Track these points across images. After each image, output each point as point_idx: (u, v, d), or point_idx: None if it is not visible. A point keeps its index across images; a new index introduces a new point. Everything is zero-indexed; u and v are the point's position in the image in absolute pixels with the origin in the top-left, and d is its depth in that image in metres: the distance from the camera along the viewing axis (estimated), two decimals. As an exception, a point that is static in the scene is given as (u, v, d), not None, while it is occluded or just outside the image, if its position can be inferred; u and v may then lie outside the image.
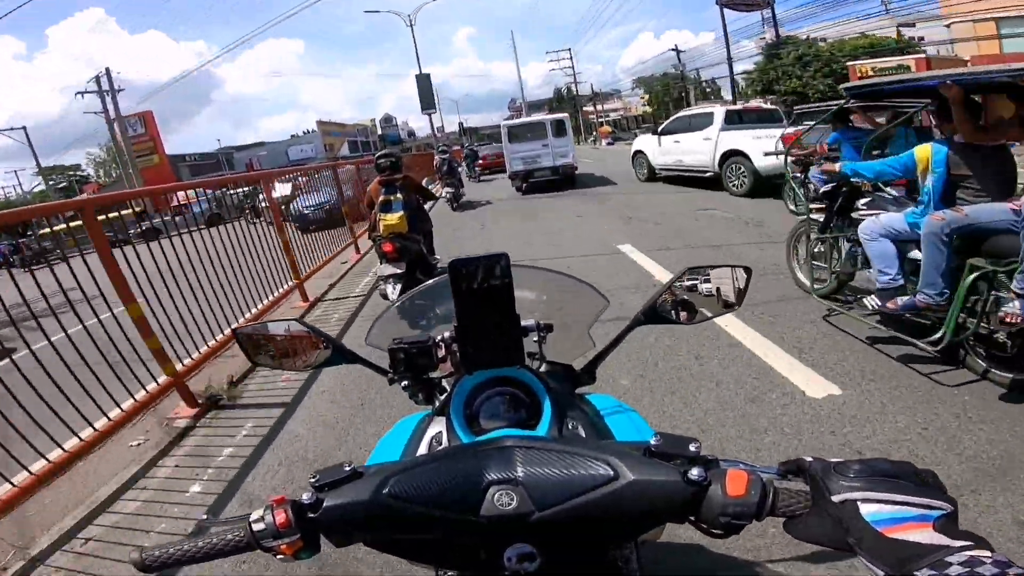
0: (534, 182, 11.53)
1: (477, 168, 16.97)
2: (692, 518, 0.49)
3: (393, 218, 3.90)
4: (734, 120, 8.16)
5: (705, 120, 8.48)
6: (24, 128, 27.87)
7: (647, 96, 48.82)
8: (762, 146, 6.83)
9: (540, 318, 0.86)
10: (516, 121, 13.44)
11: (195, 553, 0.51)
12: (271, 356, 0.86)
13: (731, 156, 7.68)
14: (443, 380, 0.88)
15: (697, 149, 8.46)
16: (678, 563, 1.51)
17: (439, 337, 0.83)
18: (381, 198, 4.02)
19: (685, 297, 0.84)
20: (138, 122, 18.09)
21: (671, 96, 44.17)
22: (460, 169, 11.89)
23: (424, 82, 25.44)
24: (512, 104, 73.12)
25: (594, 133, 41.75)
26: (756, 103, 9.10)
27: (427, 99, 24.80)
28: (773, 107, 9.61)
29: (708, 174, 8.32)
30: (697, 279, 0.83)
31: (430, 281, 0.98)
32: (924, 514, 0.39)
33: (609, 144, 35.76)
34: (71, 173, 42.28)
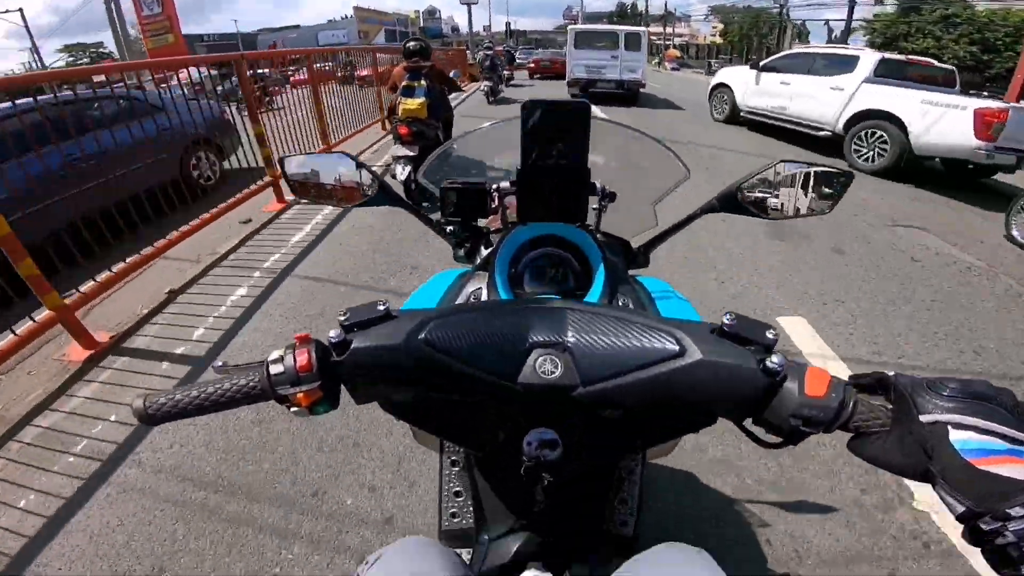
0: (594, 92, 10.70)
1: (505, 73, 13.55)
2: (750, 420, 0.42)
3: (414, 103, 3.90)
4: (889, 72, 5.94)
5: (840, 64, 6.27)
6: (20, 10, 27.82)
7: (721, 27, 45.31)
8: (930, 115, 5.04)
9: (606, 183, 0.78)
10: (587, 27, 12.75)
11: (203, 401, 0.45)
12: (312, 189, 0.82)
13: (868, 118, 5.69)
14: (491, 235, 0.83)
15: (817, 98, 6.38)
16: (673, 486, 1.53)
17: (496, 185, 0.78)
18: (404, 83, 4.00)
19: (771, 191, 0.75)
20: (155, 1, 16.59)
21: (757, 31, 40.77)
22: (500, 68, 11.90)
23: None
24: (568, 12, 68.70)
25: (660, 55, 40.88)
26: (914, 58, 6.62)
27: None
28: (948, 67, 6.52)
29: (823, 133, 6.37)
30: (789, 174, 0.74)
31: (492, 123, 0.89)
32: (1019, 449, 0.34)
33: (675, 69, 34.01)
34: (93, 51, 43.72)
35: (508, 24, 54.61)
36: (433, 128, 4.06)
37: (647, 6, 46.82)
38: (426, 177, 0.89)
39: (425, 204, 3.69)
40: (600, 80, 10.79)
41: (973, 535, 0.35)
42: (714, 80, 8.90)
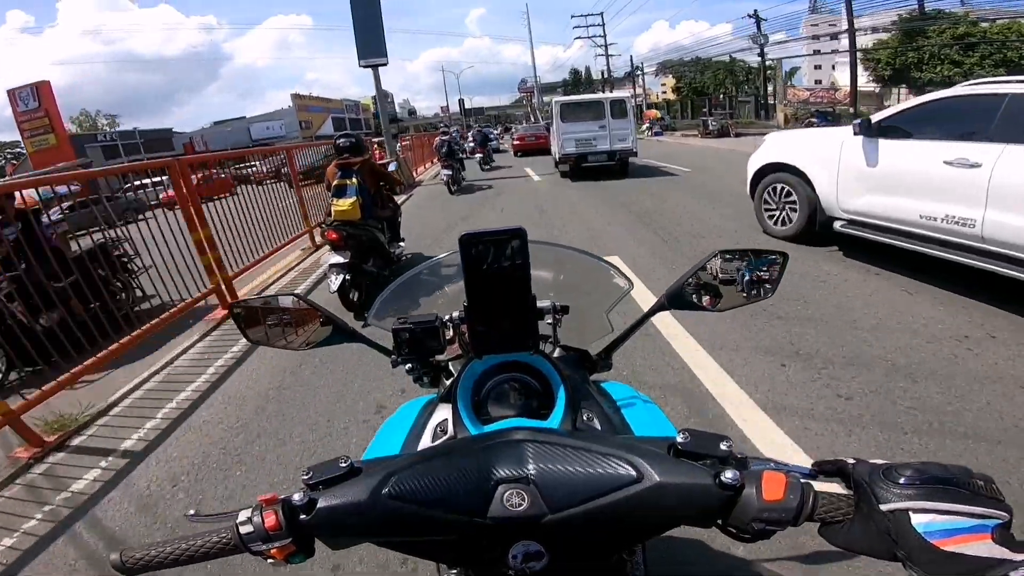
0: (586, 167, 11.13)
1: (480, 153, 15.81)
2: (719, 522, 0.48)
3: (344, 204, 3.98)
4: None
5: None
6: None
7: (672, 82, 45.75)
8: None
9: (556, 299, 0.88)
10: (572, 98, 13.06)
11: (178, 555, 0.50)
12: (266, 333, 0.87)
13: None
14: (450, 363, 0.91)
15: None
16: (681, 558, 1.59)
17: (447, 317, 0.85)
18: (336, 182, 4.07)
19: (714, 282, 0.85)
20: (30, 94, 14.69)
21: (733, 79, 40.60)
22: (460, 153, 11.96)
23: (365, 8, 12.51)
24: (523, 85, 71.71)
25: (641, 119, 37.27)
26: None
27: (371, 34, 12.64)
28: None
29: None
30: (728, 263, 0.84)
31: (440, 255, 1.03)
32: (981, 524, 0.38)
33: (657, 134, 30.40)
34: (9, 151, 45.31)
35: (461, 102, 55.63)
36: (369, 230, 4.05)
37: (608, 63, 47.35)
38: (375, 319, 0.97)
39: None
40: (591, 153, 11.00)
41: None
42: (762, 157, 5.03)
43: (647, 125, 32.12)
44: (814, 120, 21.64)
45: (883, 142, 3.75)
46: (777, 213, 4.91)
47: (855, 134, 3.90)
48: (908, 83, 17.79)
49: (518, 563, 0.50)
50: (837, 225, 4.22)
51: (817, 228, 4.46)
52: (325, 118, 47.97)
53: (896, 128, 3.73)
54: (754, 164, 5.18)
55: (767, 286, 0.85)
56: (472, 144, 11.40)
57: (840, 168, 4.08)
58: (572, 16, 44.01)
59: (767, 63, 31.25)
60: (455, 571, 0.73)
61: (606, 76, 46.70)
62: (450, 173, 10.80)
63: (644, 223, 6.30)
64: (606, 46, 45.44)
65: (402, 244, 5.01)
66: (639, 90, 43.81)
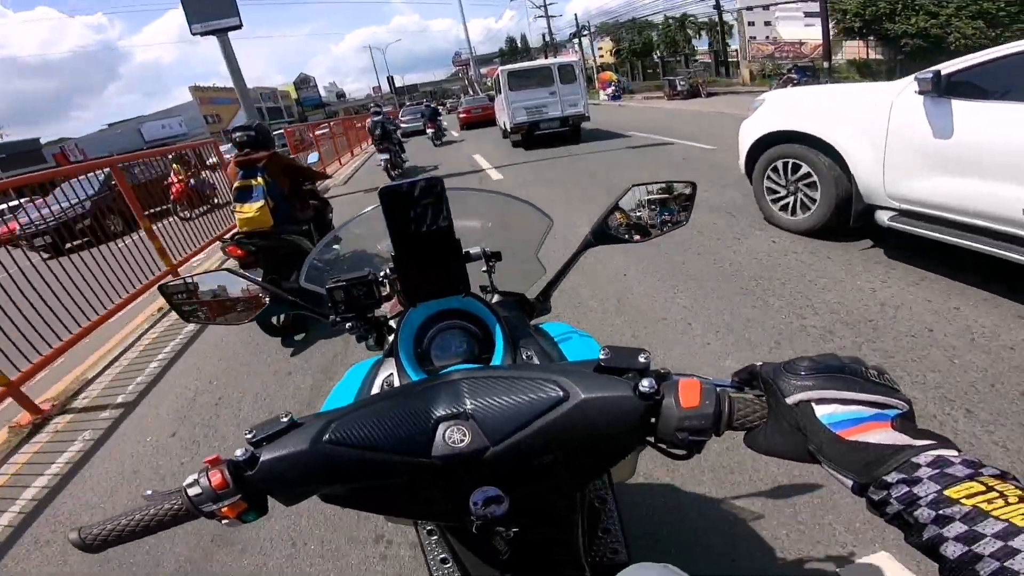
0: (540, 135, 11.26)
1: (431, 128, 15.94)
2: (651, 440, 0.51)
3: (250, 209, 3.41)
4: None
5: None
6: None
7: (610, 46, 43.70)
8: None
9: (487, 246, 0.93)
10: (518, 66, 12.93)
11: (135, 527, 0.53)
12: (202, 311, 0.89)
13: None
14: (391, 320, 0.96)
15: None
16: (655, 503, 1.69)
17: (381, 273, 0.91)
18: (237, 183, 3.49)
19: (633, 215, 0.94)
20: None
21: (684, 36, 38.70)
22: (397, 132, 11.09)
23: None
24: (457, 58, 69.61)
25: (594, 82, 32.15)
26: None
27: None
28: None
29: None
30: (643, 196, 0.94)
31: (366, 209, 1.05)
32: (881, 413, 0.41)
33: (614, 98, 27.33)
34: None
35: (391, 79, 52.90)
36: (286, 238, 3.49)
37: (549, 32, 45.10)
38: (308, 279, 1.01)
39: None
40: (543, 120, 11.08)
41: (872, 507, 0.38)
42: (761, 124, 3.99)
43: (605, 90, 28.45)
44: (793, 76, 19.86)
45: (958, 104, 2.64)
46: (787, 198, 3.83)
47: (918, 92, 2.79)
48: (879, 36, 17.14)
49: (479, 509, 0.51)
50: (884, 217, 3.14)
51: (852, 221, 3.37)
52: (237, 109, 43.74)
53: (974, 86, 2.64)
54: (750, 133, 4.06)
55: (683, 214, 0.96)
56: (379, 132, 10.27)
57: (889, 139, 2.98)
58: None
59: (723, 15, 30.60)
60: (431, 528, 0.82)
61: (548, 40, 44.44)
62: (387, 157, 9.82)
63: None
64: (545, 7, 42.89)
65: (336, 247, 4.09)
66: (587, 53, 41.76)
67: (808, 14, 26.92)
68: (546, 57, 41.20)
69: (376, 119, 10.30)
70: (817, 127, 3.45)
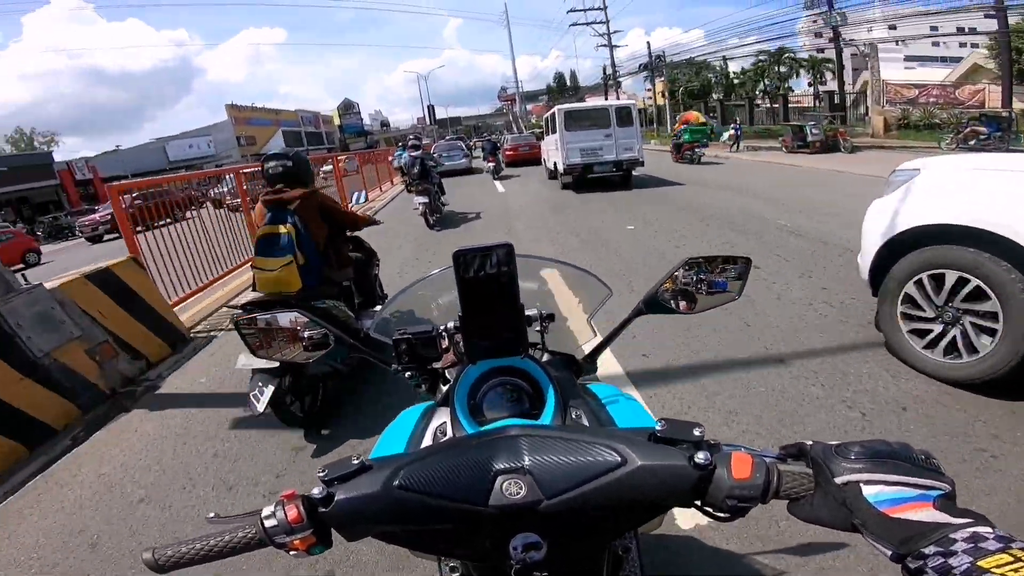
0: (592, 178, 11.93)
1: (491, 163, 17.75)
2: (698, 503, 0.58)
3: (274, 265, 2.88)
4: None
5: None
6: None
7: (661, 86, 41.49)
8: None
9: (542, 307, 1.06)
10: (575, 105, 14.14)
11: (208, 551, 0.60)
12: (269, 346, 1.04)
13: None
14: (446, 371, 1.09)
15: None
16: (674, 554, 1.82)
17: (442, 327, 1.03)
18: (261, 230, 3.00)
19: (685, 287, 1.03)
20: None
21: (759, 75, 36.72)
22: (435, 169, 10.15)
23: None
24: (503, 93, 71.03)
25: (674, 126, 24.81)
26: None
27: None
28: None
29: None
30: (697, 269, 1.02)
31: (432, 272, 1.21)
32: (924, 494, 0.47)
33: (698, 146, 17.88)
34: None
35: (431, 108, 53.72)
36: (317, 306, 2.93)
37: (612, 55, 40.26)
38: (377, 330, 1.16)
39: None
40: (597, 163, 11.64)
41: (907, 574, 0.45)
42: (907, 207, 2.93)
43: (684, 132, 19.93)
44: (981, 130, 15.50)
45: None
46: (940, 329, 2.77)
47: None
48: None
49: (519, 553, 0.58)
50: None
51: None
52: (274, 132, 45.92)
53: None
54: (885, 222, 3.03)
55: (735, 288, 1.04)
56: (417, 170, 9.55)
57: None
58: (569, 11, 39.70)
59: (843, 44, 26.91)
60: (453, 565, 0.90)
61: (610, 74, 41.05)
62: (426, 200, 8.81)
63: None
64: (609, 35, 39.19)
65: (378, 310, 3.88)
66: (656, 88, 39.30)
67: (910, 57, 25.06)
68: (606, 93, 40.59)
69: (415, 154, 9.43)
70: (1013, 223, 2.40)
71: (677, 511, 1.89)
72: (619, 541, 0.89)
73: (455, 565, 0.92)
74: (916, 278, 2.81)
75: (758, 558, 1.73)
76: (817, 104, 30.60)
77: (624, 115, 11.72)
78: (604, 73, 41.72)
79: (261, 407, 2.58)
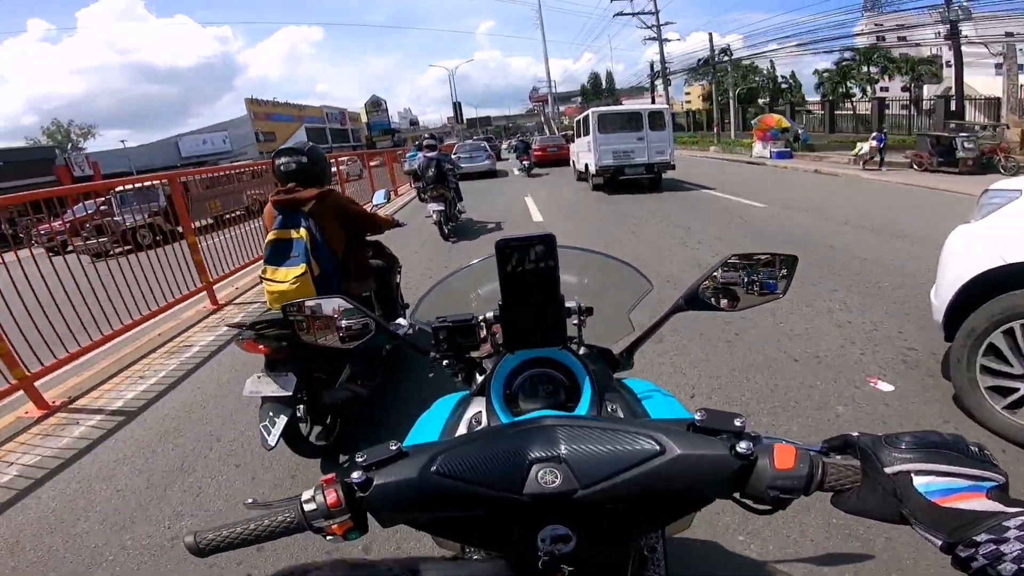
0: (624, 180, 12.52)
1: (526, 160, 19.96)
2: (737, 494, 0.60)
3: (285, 276, 2.66)
4: None
5: None
6: None
7: (701, 89, 39.30)
8: None
9: (581, 300, 1.09)
10: (609, 108, 14.57)
11: (248, 535, 0.64)
12: (312, 332, 1.05)
13: None
14: (483, 360, 1.12)
15: None
16: (700, 558, 1.88)
17: (481, 317, 1.07)
18: (272, 235, 2.77)
19: (728, 284, 1.01)
20: None
21: (843, 75, 33.99)
22: (454, 172, 9.48)
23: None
24: (535, 93, 71.30)
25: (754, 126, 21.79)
26: None
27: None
28: None
29: None
30: (741, 266, 1.01)
31: (473, 261, 1.29)
32: (977, 484, 0.48)
33: (781, 156, 17.86)
34: None
35: (457, 105, 53.63)
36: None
37: (663, 52, 35.99)
38: (418, 317, 1.22)
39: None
40: (628, 166, 12.33)
41: (956, 563, 0.46)
42: (998, 241, 2.50)
43: (765, 141, 18.54)
44: None
45: None
46: None
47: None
48: None
49: (547, 545, 0.58)
50: None
51: None
52: (296, 128, 46.46)
53: None
54: (968, 258, 2.63)
55: (780, 287, 1.01)
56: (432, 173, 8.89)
57: None
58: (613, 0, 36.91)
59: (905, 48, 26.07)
60: (477, 556, 0.90)
61: (658, 71, 37.03)
62: (441, 208, 8.22)
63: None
64: (658, 27, 34.42)
65: (403, 323, 3.40)
66: (694, 92, 37.78)
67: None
68: (652, 91, 38.99)
69: (431, 155, 8.76)
70: None
71: (701, 517, 1.97)
72: (645, 540, 0.91)
73: (478, 557, 0.95)
74: (1007, 327, 2.36)
75: (780, 567, 1.79)
76: (909, 110, 24.33)
77: (657, 119, 12.51)
78: (652, 70, 37.57)
79: (273, 440, 2.37)
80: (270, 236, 2.74)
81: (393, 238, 8.30)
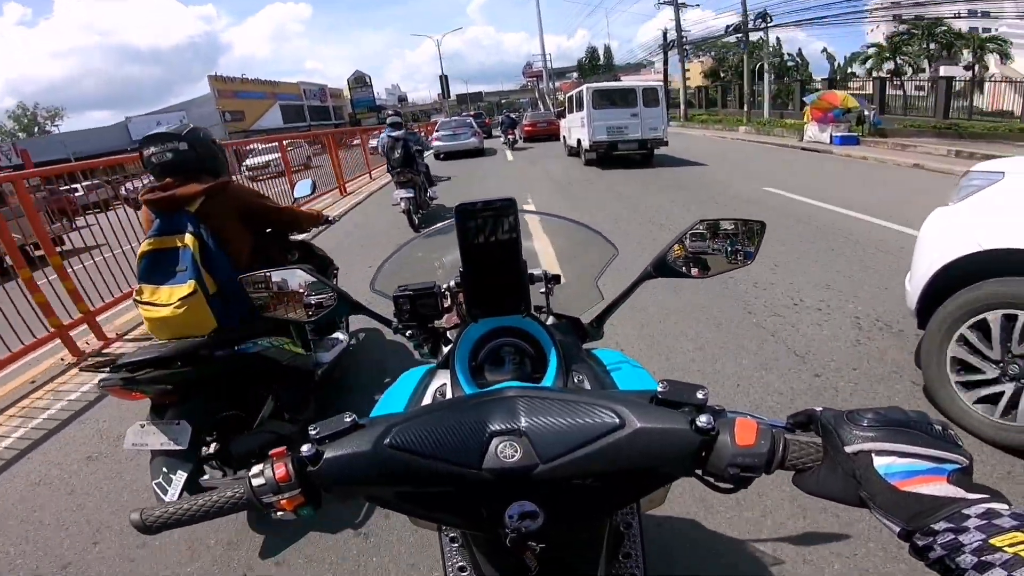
0: (617, 155, 13.07)
1: (511, 136, 22.64)
2: (699, 472, 0.61)
3: (169, 296, 2.18)
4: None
5: None
6: None
7: (702, 65, 37.98)
8: None
9: (548, 268, 1.15)
10: (604, 84, 15.20)
11: (195, 512, 0.64)
12: (273, 303, 1.09)
13: None
14: (449, 332, 1.16)
15: None
16: (678, 533, 1.98)
17: (444, 286, 1.11)
18: (146, 244, 2.28)
19: (697, 251, 1.05)
20: None
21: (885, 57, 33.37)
22: (423, 157, 9.30)
23: None
24: (528, 68, 70.73)
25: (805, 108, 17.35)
26: None
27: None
28: None
29: None
30: (709, 232, 1.04)
31: (437, 225, 1.30)
32: (938, 467, 0.48)
33: (844, 142, 14.60)
34: None
35: (444, 78, 53.06)
36: (247, 353, 2.26)
37: (677, 25, 32.89)
38: (378, 287, 1.24)
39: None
40: (622, 141, 12.87)
41: (914, 551, 0.47)
42: (973, 225, 2.49)
43: (824, 122, 15.43)
44: None
45: None
46: (998, 385, 2.33)
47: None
48: None
49: (514, 522, 0.60)
50: None
51: None
52: (269, 106, 45.61)
53: None
54: (942, 243, 2.61)
55: (748, 252, 1.05)
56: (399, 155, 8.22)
57: None
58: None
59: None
60: (454, 535, 0.95)
61: (672, 40, 33.28)
62: (410, 195, 7.69)
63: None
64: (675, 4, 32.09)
65: (341, 338, 3.31)
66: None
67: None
68: (666, 63, 36.32)
69: (395, 134, 8.10)
70: None
71: (679, 491, 2.15)
72: (620, 516, 0.94)
73: (455, 535, 0.96)
74: (979, 317, 2.32)
75: (758, 545, 1.90)
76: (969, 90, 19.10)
77: (651, 95, 13.04)
78: (664, 39, 33.76)
79: (172, 499, 1.95)
80: (144, 246, 2.26)
81: (355, 232, 7.92)
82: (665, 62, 36.13)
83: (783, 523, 2.01)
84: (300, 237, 3.21)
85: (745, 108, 26.75)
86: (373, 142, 14.47)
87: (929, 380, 2.60)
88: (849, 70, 35.64)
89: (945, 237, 2.60)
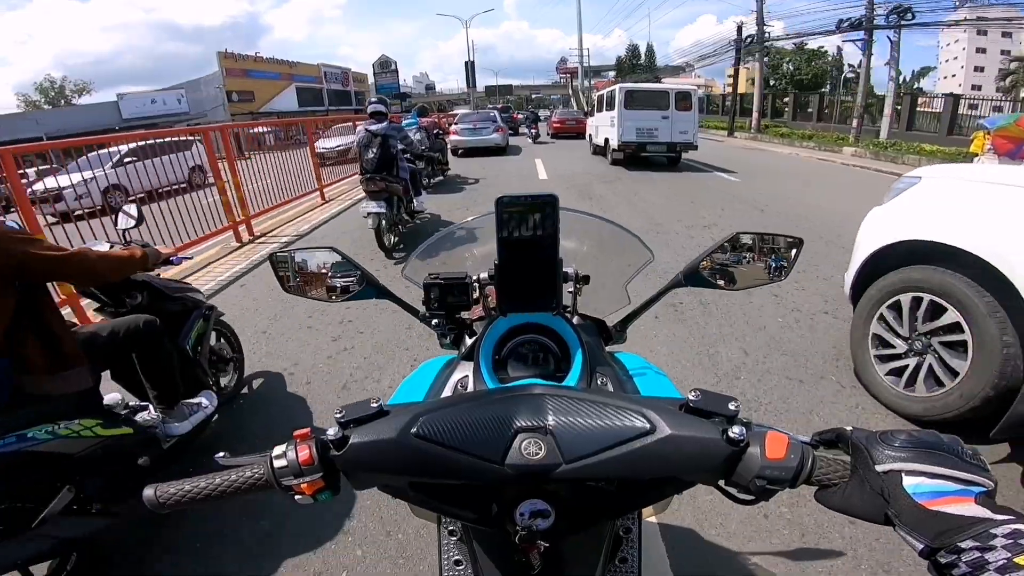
0: (646, 157, 14.07)
1: (534, 130, 24.69)
2: (722, 482, 0.64)
3: None
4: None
5: None
6: None
7: (744, 73, 34.71)
8: None
9: (579, 267, 1.18)
10: (638, 85, 16.33)
11: (211, 491, 0.66)
12: (301, 283, 1.19)
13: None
14: (474, 323, 1.21)
15: None
16: (675, 542, 2.08)
17: (476, 277, 1.16)
18: None
19: (729, 263, 1.11)
20: None
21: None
22: (406, 159, 7.52)
23: None
24: (563, 64, 70.98)
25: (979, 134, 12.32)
26: None
27: None
28: None
29: None
30: (745, 245, 1.11)
31: (470, 218, 1.39)
32: (966, 489, 0.52)
33: None
34: None
35: (470, 64, 53.50)
36: (9, 447, 1.78)
37: (760, 17, 28.37)
38: (409, 274, 1.29)
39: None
40: (651, 143, 13.72)
41: (935, 569, 0.51)
42: (895, 221, 3.14)
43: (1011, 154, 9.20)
44: None
45: None
46: (906, 359, 2.94)
47: None
48: None
49: (525, 519, 0.66)
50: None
51: (998, 432, 2.35)
52: (284, 87, 45.24)
53: None
54: (873, 235, 3.22)
55: (783, 268, 1.09)
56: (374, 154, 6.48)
57: None
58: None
59: None
60: (453, 528, 1.00)
61: (749, 36, 29.66)
62: (379, 210, 6.36)
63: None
64: None
65: (203, 403, 2.72)
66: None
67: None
68: (737, 63, 31.64)
69: (374, 128, 6.59)
70: (1001, 249, 2.45)
71: (679, 502, 2.26)
72: (622, 521, 0.97)
73: (454, 529, 1.00)
74: (895, 299, 2.95)
75: (754, 559, 2.02)
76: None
77: (683, 99, 13.86)
78: (739, 33, 29.95)
79: None
80: None
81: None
82: (737, 61, 31.79)
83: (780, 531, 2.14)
84: (143, 277, 2.66)
85: (855, 124, 22.98)
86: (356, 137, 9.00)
87: (854, 353, 3.24)
88: (916, 85, 34.98)
89: (873, 231, 3.23)
